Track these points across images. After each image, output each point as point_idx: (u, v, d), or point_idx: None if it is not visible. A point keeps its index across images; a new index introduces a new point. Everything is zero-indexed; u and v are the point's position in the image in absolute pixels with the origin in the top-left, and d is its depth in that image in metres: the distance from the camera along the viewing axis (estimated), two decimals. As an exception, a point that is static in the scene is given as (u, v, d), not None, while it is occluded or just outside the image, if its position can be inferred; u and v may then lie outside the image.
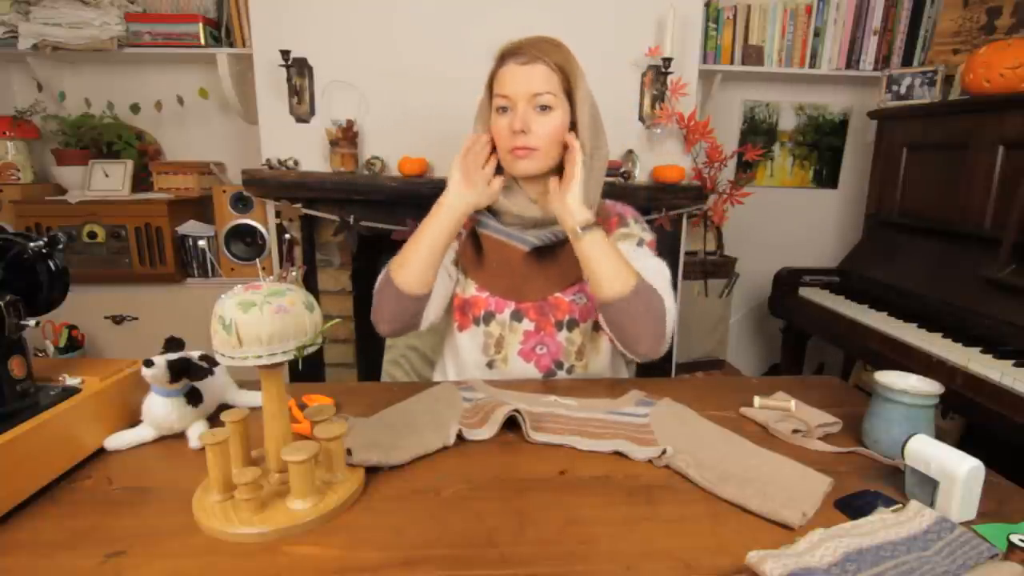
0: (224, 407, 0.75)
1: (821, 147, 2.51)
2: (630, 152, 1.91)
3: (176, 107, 2.15)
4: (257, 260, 2.07)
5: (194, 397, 0.77)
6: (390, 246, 1.84)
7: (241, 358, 0.59)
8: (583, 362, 1.03)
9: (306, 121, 1.87)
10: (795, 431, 0.82)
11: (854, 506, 0.64)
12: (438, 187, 1.83)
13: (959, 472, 0.60)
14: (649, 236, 1.06)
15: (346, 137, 1.81)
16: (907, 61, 2.20)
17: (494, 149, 0.98)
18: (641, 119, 1.92)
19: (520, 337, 1.01)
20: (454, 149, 1.75)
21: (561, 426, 0.81)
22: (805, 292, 2.08)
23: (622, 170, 1.88)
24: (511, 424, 0.80)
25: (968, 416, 1.48)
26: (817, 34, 2.18)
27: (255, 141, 1.90)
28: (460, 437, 0.77)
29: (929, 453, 0.63)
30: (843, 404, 0.91)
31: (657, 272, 0.97)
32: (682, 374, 2.25)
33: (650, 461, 0.73)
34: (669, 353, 2.10)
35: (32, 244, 0.72)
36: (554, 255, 1.01)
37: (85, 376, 0.77)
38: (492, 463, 0.73)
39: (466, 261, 1.05)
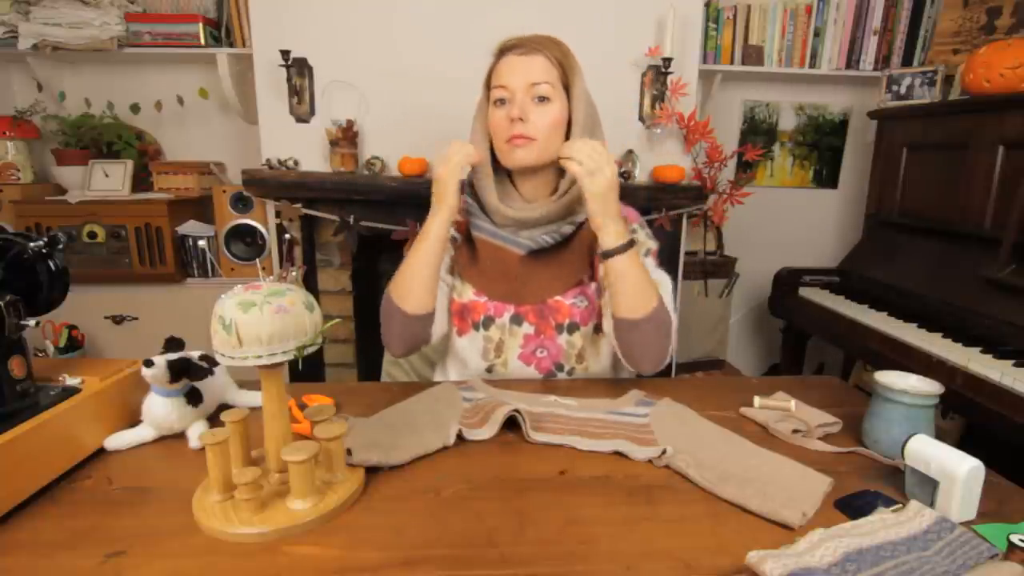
0: (224, 407, 0.75)
1: (821, 147, 2.51)
2: (630, 152, 1.91)
3: (176, 107, 2.15)
4: (257, 260, 2.07)
5: (194, 397, 0.77)
6: (390, 246, 1.85)
7: (241, 358, 0.59)
8: (583, 364, 1.03)
9: (306, 121, 1.87)
10: (795, 431, 0.82)
11: (854, 506, 0.64)
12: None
13: (959, 472, 0.60)
14: (654, 244, 1.06)
15: (346, 137, 1.81)
16: (907, 61, 2.20)
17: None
18: (641, 119, 1.92)
19: (520, 341, 1.00)
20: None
21: (561, 426, 0.81)
22: (805, 292, 2.08)
23: (622, 170, 1.88)
24: (511, 424, 0.80)
25: (968, 416, 1.48)
26: (817, 34, 2.18)
27: (255, 141, 1.90)
28: (460, 437, 0.77)
29: (929, 453, 0.63)
30: (843, 404, 0.91)
31: (662, 286, 0.97)
32: (682, 374, 2.25)
33: (650, 461, 0.73)
34: (669, 353, 2.09)
35: (32, 244, 0.72)
36: (552, 257, 1.00)
37: (85, 376, 0.77)
38: (492, 463, 0.73)
39: (462, 265, 1.03)
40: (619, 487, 0.68)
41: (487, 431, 0.78)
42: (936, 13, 2.11)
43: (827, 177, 2.54)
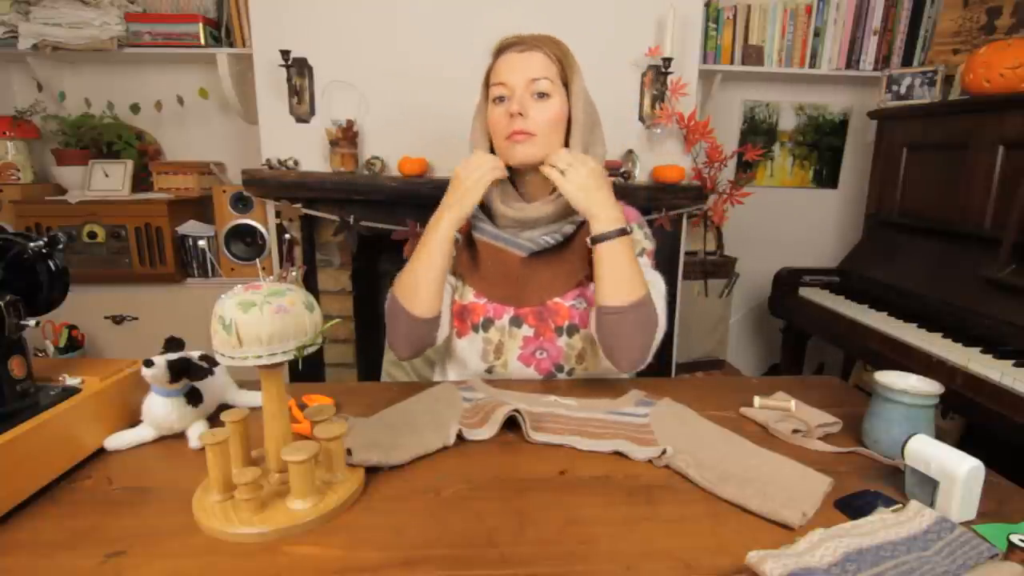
0: (224, 407, 0.75)
1: (821, 147, 2.51)
2: (630, 152, 1.91)
3: (176, 107, 2.15)
4: (257, 260, 2.07)
5: (194, 397, 0.77)
6: (390, 246, 1.85)
7: (241, 358, 0.59)
8: (583, 366, 1.03)
9: (306, 121, 1.87)
10: (795, 431, 0.82)
11: (854, 506, 0.64)
12: (438, 187, 1.83)
13: (959, 472, 0.60)
14: (650, 245, 1.06)
15: (346, 137, 1.81)
16: (907, 61, 2.20)
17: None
18: (641, 119, 1.92)
19: (519, 342, 1.00)
20: (454, 149, 1.75)
21: (561, 426, 0.81)
22: (805, 292, 2.09)
23: (622, 170, 1.88)
24: (511, 424, 0.80)
25: (968, 416, 1.48)
26: (817, 34, 2.18)
27: (255, 141, 1.90)
28: (460, 437, 0.77)
29: (929, 453, 0.63)
30: (843, 404, 0.91)
31: (654, 286, 0.96)
32: (682, 374, 2.25)
33: (650, 461, 0.73)
34: (669, 353, 2.10)
35: (32, 244, 0.72)
36: (552, 259, 1.00)
37: (85, 376, 0.77)
38: (492, 463, 0.73)
39: (463, 267, 1.03)
40: (619, 487, 0.68)
41: (487, 431, 0.78)
42: (936, 13, 2.11)
43: (827, 177, 2.55)
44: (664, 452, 0.73)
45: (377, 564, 0.55)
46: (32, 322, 0.69)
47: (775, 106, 2.44)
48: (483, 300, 1.01)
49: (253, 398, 0.85)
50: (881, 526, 0.56)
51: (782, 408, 0.88)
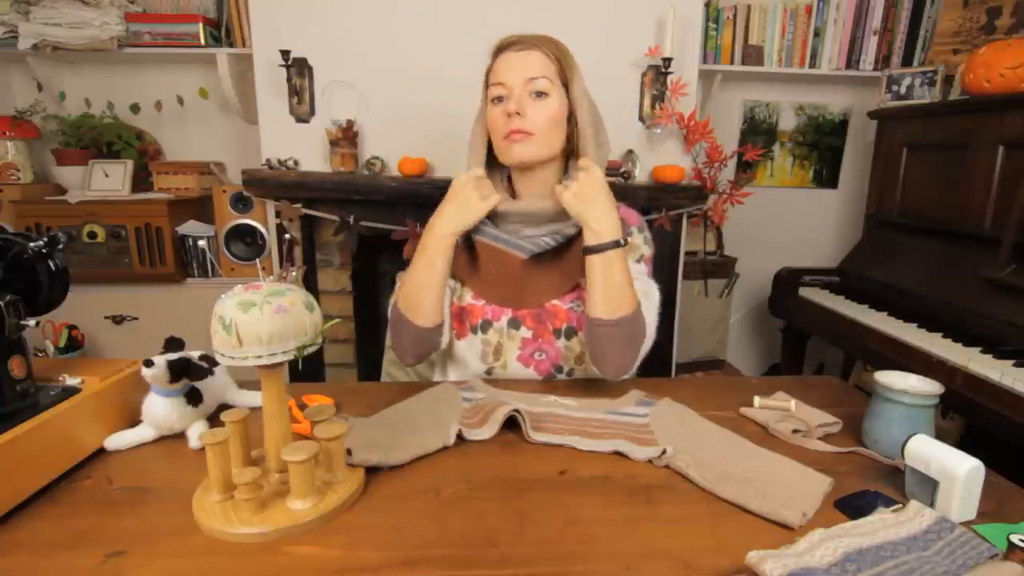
0: (224, 407, 0.75)
1: (821, 147, 2.51)
2: (630, 152, 1.91)
3: (176, 107, 2.15)
4: (257, 260, 2.07)
5: (194, 397, 0.77)
6: (390, 246, 1.85)
7: (241, 358, 0.59)
8: (583, 367, 1.02)
9: (306, 121, 1.87)
10: (795, 431, 0.82)
11: (854, 506, 0.64)
12: (438, 187, 1.83)
13: (959, 472, 0.60)
14: (649, 251, 1.05)
15: (346, 137, 1.81)
16: (907, 61, 2.20)
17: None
18: (641, 119, 1.92)
19: (518, 344, 1.00)
20: (454, 149, 1.75)
21: (561, 426, 0.81)
22: (805, 292, 2.09)
23: (622, 170, 1.88)
24: (511, 424, 0.80)
25: (968, 416, 1.48)
26: (817, 34, 2.18)
27: (255, 141, 1.90)
28: (460, 437, 0.77)
29: (929, 453, 0.63)
30: (843, 404, 0.91)
31: (647, 296, 0.96)
32: (682, 374, 2.25)
33: (650, 461, 0.73)
34: (669, 353, 2.10)
35: (32, 244, 0.72)
36: (551, 261, 1.00)
37: (85, 376, 0.77)
38: (492, 463, 0.73)
39: (461, 269, 1.02)
40: (619, 487, 0.68)
41: (487, 431, 0.78)
42: (936, 13, 2.11)
43: (827, 177, 2.55)
44: (664, 452, 0.73)
45: (377, 564, 0.55)
46: (32, 322, 0.69)
47: (775, 106, 2.44)
48: (481, 302, 1.01)
49: (253, 398, 0.85)
50: (881, 526, 0.56)
51: (782, 408, 0.88)
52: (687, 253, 2.16)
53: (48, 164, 2.16)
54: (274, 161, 1.85)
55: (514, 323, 1.00)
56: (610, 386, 0.96)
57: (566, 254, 1.00)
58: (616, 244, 0.87)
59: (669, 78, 1.85)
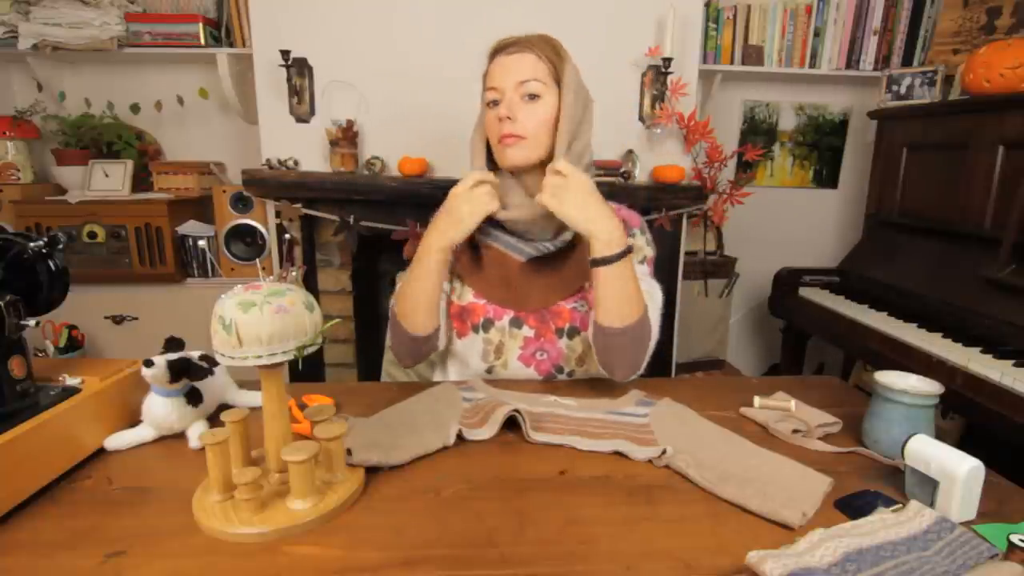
0: (224, 407, 0.75)
1: (821, 147, 2.51)
2: (630, 152, 1.91)
3: (176, 107, 2.15)
4: (257, 260, 2.07)
5: (194, 397, 0.77)
6: (390, 246, 1.85)
7: (241, 358, 0.59)
8: (584, 367, 1.03)
9: (306, 121, 1.87)
10: (795, 431, 0.82)
11: (854, 506, 0.64)
12: (438, 187, 1.83)
13: (959, 472, 0.60)
14: (651, 252, 1.05)
15: (346, 137, 1.81)
16: (907, 61, 2.20)
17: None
18: (641, 119, 1.92)
19: (520, 343, 1.00)
20: (454, 149, 1.75)
21: (561, 426, 0.81)
22: (805, 292, 2.09)
23: (622, 170, 1.88)
24: (511, 424, 0.80)
25: (968, 416, 1.48)
26: (817, 34, 2.18)
27: (255, 141, 1.90)
28: (460, 437, 0.77)
29: (929, 453, 0.63)
30: (843, 404, 0.91)
31: (651, 297, 0.96)
32: (682, 374, 2.25)
33: (650, 461, 0.73)
34: (669, 353, 2.10)
35: (32, 244, 0.72)
36: (554, 263, 0.99)
37: (85, 376, 0.77)
38: (492, 463, 0.73)
39: (463, 268, 1.02)
40: (619, 487, 0.68)
41: (487, 431, 0.78)
42: (936, 13, 2.11)
43: (827, 177, 2.55)
44: (664, 452, 0.73)
45: (377, 564, 0.55)
46: (32, 322, 0.69)
47: (775, 106, 2.44)
48: (483, 301, 1.01)
49: (253, 398, 0.85)
50: (881, 526, 0.56)
51: (782, 408, 0.88)
52: (687, 253, 2.16)
53: (48, 164, 2.16)
54: (274, 161, 1.85)
55: (516, 322, 1.00)
56: (610, 386, 0.96)
57: (567, 259, 0.99)
58: (626, 253, 0.86)
59: (669, 78, 1.85)
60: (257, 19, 1.81)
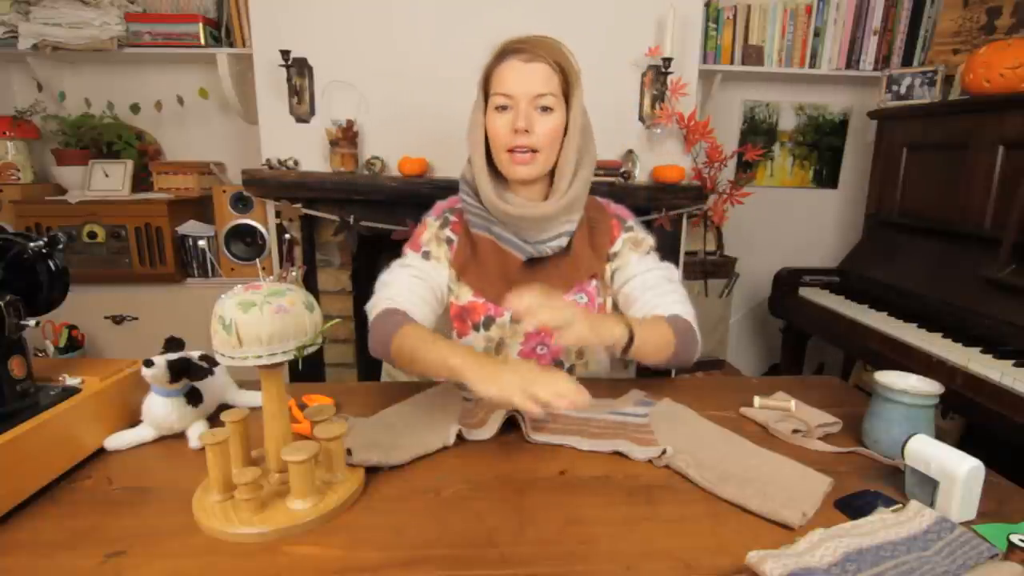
0: (224, 407, 0.75)
1: (821, 147, 2.51)
2: (630, 152, 1.91)
3: (176, 107, 2.15)
4: (257, 260, 2.07)
5: (194, 397, 0.77)
6: (390, 246, 1.85)
7: (241, 358, 0.59)
8: (583, 361, 1.04)
9: (306, 121, 1.87)
10: (795, 431, 0.82)
11: (854, 506, 0.64)
12: (438, 187, 1.83)
13: (959, 472, 0.60)
14: (651, 239, 1.06)
15: (346, 137, 1.81)
16: (907, 61, 2.20)
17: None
18: (641, 119, 1.92)
19: (521, 338, 1.01)
20: (454, 149, 1.74)
21: (561, 426, 0.81)
22: (805, 292, 2.08)
23: (622, 170, 1.88)
24: (511, 424, 0.80)
25: (968, 416, 1.48)
26: (817, 34, 2.18)
27: (255, 141, 1.90)
28: (460, 437, 0.77)
29: (929, 453, 0.63)
30: (843, 404, 0.91)
31: (671, 280, 1.00)
32: (682, 374, 2.25)
33: (650, 461, 0.73)
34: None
35: (32, 244, 0.72)
36: (551, 265, 1.00)
37: (85, 376, 0.77)
38: (492, 463, 0.73)
39: (460, 265, 1.02)
40: (619, 487, 0.68)
41: (487, 431, 0.78)
42: (936, 13, 2.11)
43: (827, 177, 2.54)
44: (664, 452, 0.73)
45: (377, 564, 0.55)
46: (32, 322, 0.69)
47: (775, 106, 2.44)
48: (481, 299, 1.01)
49: (253, 398, 0.85)
50: (881, 526, 0.56)
51: (782, 408, 0.88)
52: (687, 253, 2.16)
53: (48, 164, 2.16)
54: (274, 161, 1.85)
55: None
56: (610, 386, 0.97)
57: (567, 258, 1.00)
58: (632, 335, 0.82)
59: (669, 78, 1.84)
60: (257, 19, 1.81)
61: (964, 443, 1.02)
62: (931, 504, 0.62)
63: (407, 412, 0.84)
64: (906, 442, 0.66)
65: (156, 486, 0.67)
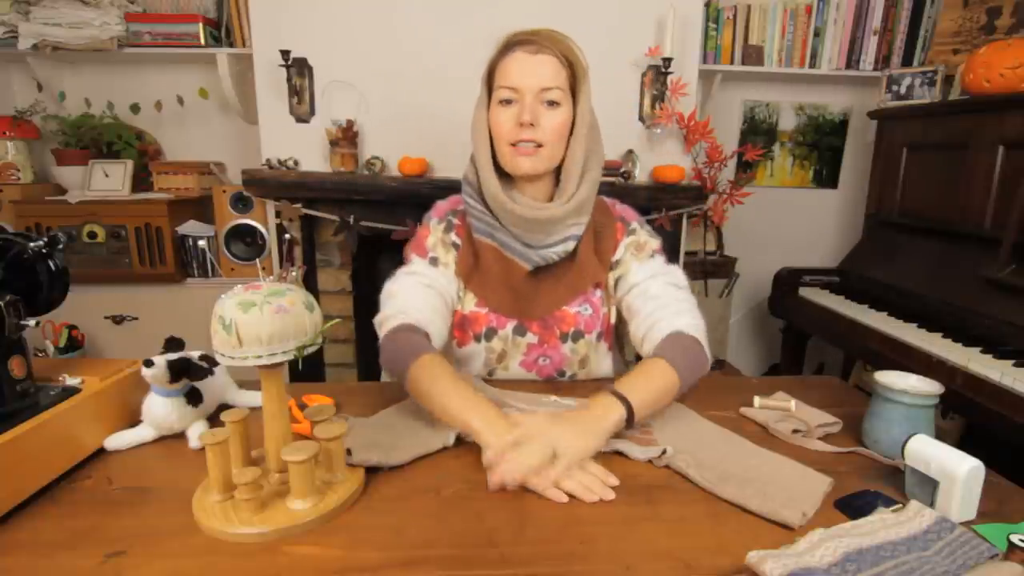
0: (224, 407, 0.75)
1: (821, 147, 2.51)
2: (630, 152, 1.91)
3: (176, 107, 2.15)
4: (257, 260, 2.07)
5: (194, 397, 0.77)
6: (390, 246, 1.85)
7: (241, 358, 0.59)
8: (586, 370, 1.02)
9: (306, 121, 1.87)
10: (795, 431, 0.82)
11: (854, 506, 0.64)
12: (438, 187, 1.83)
13: (959, 472, 0.60)
14: (656, 242, 1.01)
15: (346, 137, 1.81)
16: (907, 61, 2.20)
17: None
18: (641, 119, 1.92)
19: (523, 350, 0.98)
20: (454, 149, 1.74)
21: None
22: (805, 292, 2.08)
23: (622, 170, 1.88)
24: (511, 424, 0.80)
25: (968, 416, 1.48)
26: (817, 34, 2.18)
27: (255, 141, 1.90)
28: (460, 437, 0.77)
29: (929, 453, 0.63)
30: (843, 404, 0.91)
31: (677, 287, 0.97)
32: (682, 374, 2.24)
33: (650, 461, 0.73)
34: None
35: (32, 244, 0.72)
36: (557, 273, 0.96)
37: (85, 376, 0.77)
38: (492, 463, 0.73)
39: (464, 272, 0.98)
40: (619, 487, 0.68)
41: (487, 431, 0.78)
42: (936, 13, 2.11)
43: (827, 177, 2.54)
44: (664, 452, 0.73)
45: (377, 564, 0.55)
46: (32, 322, 0.69)
47: (775, 106, 2.44)
48: (484, 309, 0.98)
49: (253, 398, 0.85)
50: (881, 526, 0.56)
51: (782, 408, 0.88)
52: (687, 253, 2.16)
53: (48, 164, 2.16)
54: (274, 161, 1.85)
55: (520, 330, 0.98)
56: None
57: (571, 266, 0.97)
58: (631, 411, 0.75)
59: (669, 78, 1.85)
60: (257, 19, 1.81)
61: (964, 443, 1.02)
62: (931, 504, 0.62)
63: (407, 412, 0.84)
64: (906, 442, 0.66)
65: (156, 486, 0.67)
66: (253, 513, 0.60)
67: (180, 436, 0.77)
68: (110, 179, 2.07)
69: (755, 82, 2.38)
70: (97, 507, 0.63)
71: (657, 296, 0.94)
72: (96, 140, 2.09)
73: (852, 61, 2.21)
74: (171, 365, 0.73)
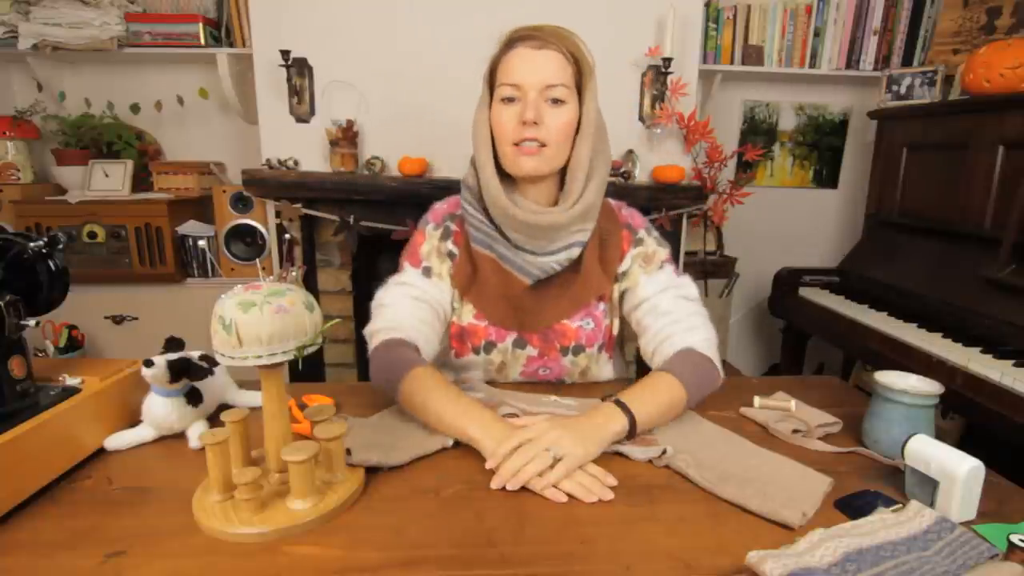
0: (224, 407, 0.75)
1: (821, 147, 2.51)
2: (630, 152, 1.91)
3: (176, 107, 2.15)
4: (257, 260, 2.07)
5: (194, 397, 0.77)
6: (390, 246, 1.85)
7: (241, 358, 0.59)
8: (586, 379, 1.01)
9: (306, 121, 1.87)
10: (795, 431, 0.82)
11: (854, 506, 0.64)
12: (438, 187, 1.83)
13: (959, 472, 0.60)
14: (665, 251, 0.97)
15: (346, 137, 1.81)
16: (907, 61, 2.20)
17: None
18: (641, 119, 1.92)
19: (523, 362, 0.97)
20: (454, 149, 1.74)
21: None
22: (805, 292, 2.08)
23: (622, 170, 1.88)
24: (511, 424, 0.80)
25: (968, 416, 1.48)
26: (817, 34, 2.18)
27: (255, 141, 1.90)
28: (460, 437, 0.77)
29: (929, 453, 0.63)
30: (843, 404, 0.91)
31: (687, 299, 0.92)
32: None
33: (650, 461, 0.73)
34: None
35: (32, 244, 0.72)
36: (558, 283, 0.92)
37: (85, 376, 0.77)
38: (492, 463, 0.73)
39: (461, 283, 0.94)
40: (619, 487, 0.68)
41: (487, 431, 0.78)
42: (936, 13, 2.11)
43: (827, 177, 2.54)
44: (664, 452, 0.73)
45: (377, 564, 0.55)
46: (32, 322, 0.69)
47: (775, 106, 2.44)
48: (484, 323, 0.95)
49: (253, 398, 0.85)
50: (881, 526, 0.56)
51: (782, 408, 0.88)
52: (687, 253, 2.16)
53: (48, 164, 2.16)
54: (274, 161, 1.85)
55: (520, 342, 0.96)
56: (610, 387, 0.96)
57: (575, 277, 0.93)
58: (633, 423, 0.75)
59: (669, 78, 1.85)
60: (257, 19, 1.81)
61: (964, 443, 1.02)
62: (931, 504, 0.62)
63: (407, 413, 0.84)
64: (906, 442, 0.66)
65: (156, 486, 0.67)
66: (253, 513, 0.60)
67: (180, 436, 0.77)
68: (110, 179, 2.07)
69: (755, 82, 2.38)
70: (97, 507, 0.63)
71: (668, 312, 0.91)
72: (96, 140, 2.09)
73: (852, 61, 2.21)
74: (171, 365, 0.73)
